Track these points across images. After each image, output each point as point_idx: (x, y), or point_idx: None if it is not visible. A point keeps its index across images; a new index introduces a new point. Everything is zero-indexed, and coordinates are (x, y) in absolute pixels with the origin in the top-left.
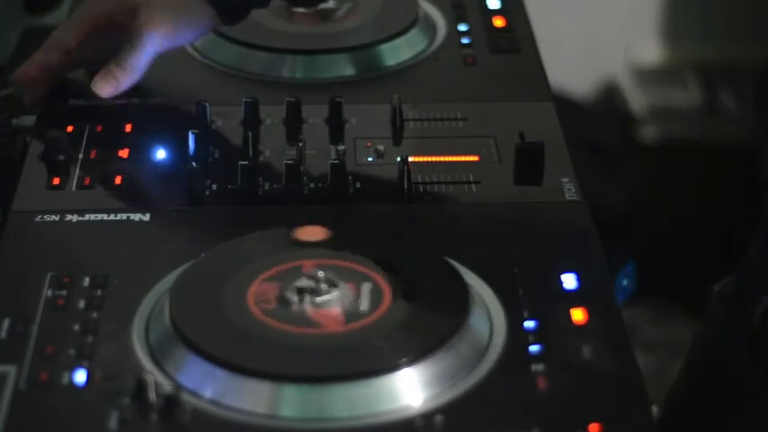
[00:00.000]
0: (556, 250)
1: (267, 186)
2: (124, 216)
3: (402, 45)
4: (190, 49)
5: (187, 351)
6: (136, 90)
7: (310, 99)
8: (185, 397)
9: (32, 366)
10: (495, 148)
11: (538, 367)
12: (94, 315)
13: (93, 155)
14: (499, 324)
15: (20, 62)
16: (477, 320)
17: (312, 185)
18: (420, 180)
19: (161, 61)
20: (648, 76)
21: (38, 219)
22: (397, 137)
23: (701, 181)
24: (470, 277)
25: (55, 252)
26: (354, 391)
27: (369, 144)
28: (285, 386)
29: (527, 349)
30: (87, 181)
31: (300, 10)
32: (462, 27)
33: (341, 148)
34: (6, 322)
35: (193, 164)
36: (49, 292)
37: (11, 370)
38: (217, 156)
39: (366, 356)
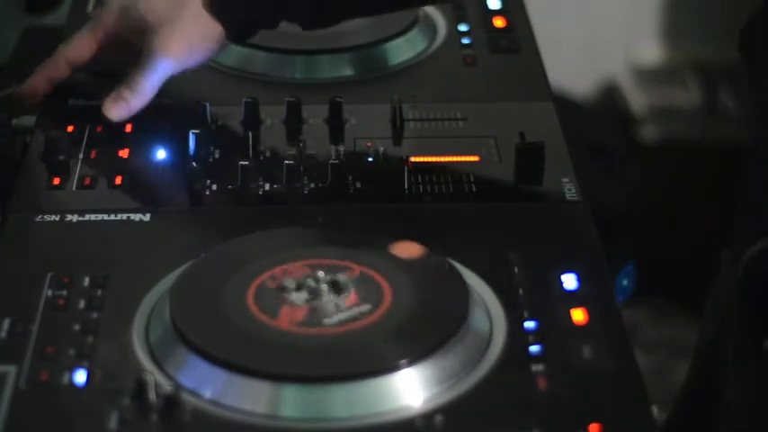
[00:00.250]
0: (556, 250)
1: (267, 186)
2: (124, 216)
3: (402, 45)
4: None
5: (187, 351)
6: None
7: (310, 99)
8: (185, 397)
9: (32, 366)
10: (496, 148)
11: (538, 367)
12: (94, 315)
13: (93, 155)
14: (499, 324)
15: (20, 62)
16: (477, 321)
17: (312, 185)
18: (420, 180)
19: None
20: (648, 76)
21: (38, 219)
22: (397, 137)
23: (700, 181)
24: (470, 277)
25: (55, 252)
26: (354, 391)
27: (369, 144)
28: (285, 386)
29: (527, 349)
30: (87, 181)
31: None
32: (462, 27)
33: (341, 148)
34: (6, 322)
35: (194, 164)
36: (49, 292)
37: (11, 370)
38: (217, 156)
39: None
